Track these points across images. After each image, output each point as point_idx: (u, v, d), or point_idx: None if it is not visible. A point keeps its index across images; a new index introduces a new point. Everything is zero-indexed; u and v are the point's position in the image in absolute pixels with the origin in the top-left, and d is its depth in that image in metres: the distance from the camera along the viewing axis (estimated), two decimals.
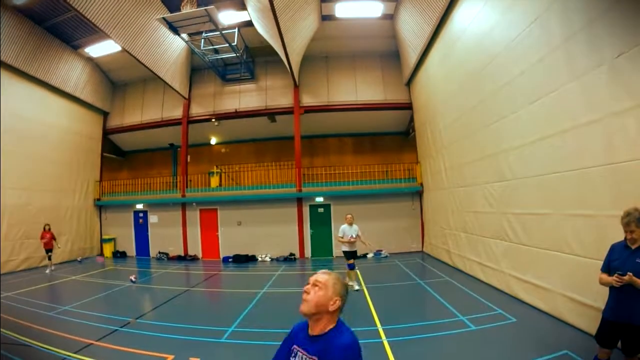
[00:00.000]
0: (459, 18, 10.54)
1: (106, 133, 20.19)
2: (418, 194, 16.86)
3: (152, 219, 18.49)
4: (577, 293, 5.98)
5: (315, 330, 2.07)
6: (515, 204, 7.21)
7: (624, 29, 4.82)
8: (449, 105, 11.92)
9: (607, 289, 4.02)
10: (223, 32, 14.22)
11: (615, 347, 3.97)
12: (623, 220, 3.79)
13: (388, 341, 6.05)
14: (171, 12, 13.78)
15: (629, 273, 3.53)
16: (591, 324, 5.57)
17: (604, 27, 5.15)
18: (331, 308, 2.04)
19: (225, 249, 17.35)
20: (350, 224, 10.01)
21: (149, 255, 18.33)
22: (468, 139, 10.43)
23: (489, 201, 9.25)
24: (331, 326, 2.05)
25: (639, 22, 4.60)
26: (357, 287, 9.76)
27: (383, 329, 6.64)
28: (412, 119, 17.60)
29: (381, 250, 15.77)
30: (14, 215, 13.96)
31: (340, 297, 2.09)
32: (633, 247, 3.74)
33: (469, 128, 10.33)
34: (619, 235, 4.79)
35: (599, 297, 5.40)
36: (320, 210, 17.21)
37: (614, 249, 4.01)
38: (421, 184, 16.40)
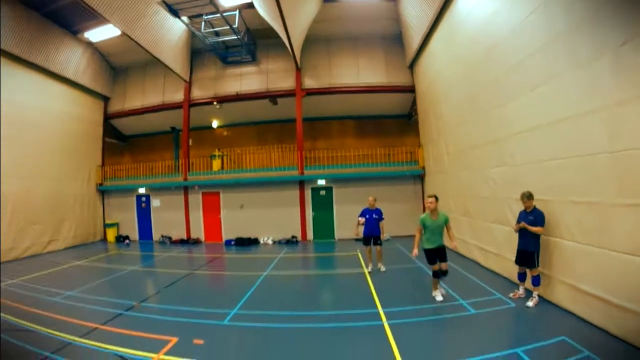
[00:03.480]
0: (463, 1, 10.36)
1: (107, 118, 20.12)
2: (420, 177, 16.85)
3: (155, 203, 18.58)
4: (576, 280, 6.01)
5: None
6: (517, 190, 7.19)
7: (628, 18, 4.75)
8: (451, 89, 11.80)
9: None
10: (224, 14, 14.07)
11: (526, 265, 6.92)
12: (522, 199, 6.85)
13: (389, 324, 6.13)
14: None
15: (522, 222, 6.78)
16: (590, 312, 5.67)
17: (608, 16, 5.08)
18: None
19: (228, 232, 17.47)
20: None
21: (151, 239, 18.49)
22: (470, 123, 10.36)
23: (491, 186, 9.24)
24: None
25: None
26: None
27: (384, 312, 6.73)
28: (414, 102, 17.46)
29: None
30: (17, 202, 13.99)
31: None
32: (527, 211, 6.80)
33: (471, 113, 10.25)
34: (622, 223, 5.02)
35: (598, 285, 5.48)
36: (322, 193, 17.25)
37: (519, 214, 7.00)
38: (423, 168, 16.37)
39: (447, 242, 7.38)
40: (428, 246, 7.23)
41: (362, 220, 10.03)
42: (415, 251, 7.18)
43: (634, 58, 4.69)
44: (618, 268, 5.09)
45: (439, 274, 7.29)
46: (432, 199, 7.18)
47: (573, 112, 5.89)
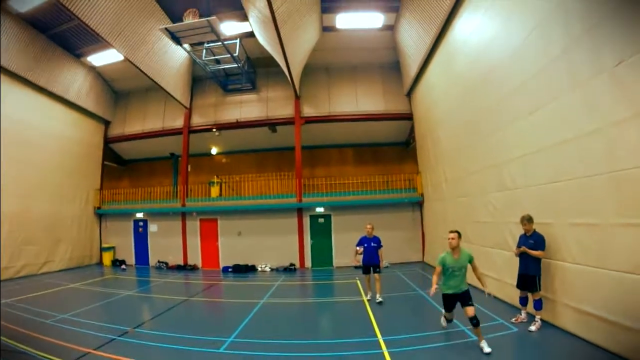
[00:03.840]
0: (459, 29, 10.61)
1: (107, 142, 20.27)
2: (418, 204, 16.83)
3: (152, 228, 18.44)
4: (578, 302, 5.94)
5: None
6: (517, 214, 7.19)
7: (624, 37, 4.84)
8: (449, 116, 11.95)
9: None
10: (225, 42, 14.36)
11: (527, 289, 6.87)
12: (522, 222, 6.88)
13: (389, 352, 5.98)
14: (173, 22, 13.96)
15: (523, 246, 6.77)
16: (594, 333, 5.56)
17: (603, 35, 5.17)
18: None
19: (225, 259, 17.26)
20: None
21: (148, 264, 18.25)
22: (469, 149, 10.44)
23: (490, 211, 9.22)
24: None
25: (639, 30, 4.62)
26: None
27: (384, 340, 6.57)
28: (412, 130, 17.64)
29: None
30: (13, 222, 13.90)
31: None
32: (527, 234, 6.82)
33: (469, 138, 10.34)
34: (622, 242, 5.01)
35: (601, 306, 5.39)
36: (321, 220, 17.16)
37: (520, 238, 7.01)
38: (422, 195, 16.37)
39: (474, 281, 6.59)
40: (447, 291, 6.23)
41: (360, 249, 9.77)
42: (433, 290, 6.04)
43: (631, 76, 4.75)
44: (619, 287, 5.05)
45: (450, 321, 6.72)
46: (454, 235, 6.17)
47: (572, 134, 5.94)
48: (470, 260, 6.19)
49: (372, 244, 9.65)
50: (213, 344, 6.65)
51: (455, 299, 6.23)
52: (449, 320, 6.79)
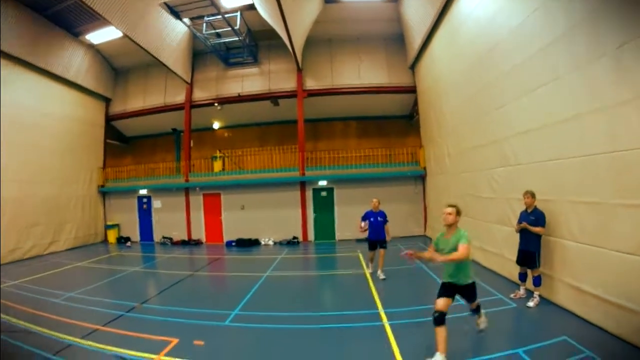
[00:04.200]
0: (464, 1, 10.35)
1: (109, 119, 20.15)
2: (421, 178, 16.83)
3: (156, 204, 18.58)
4: (577, 280, 6.01)
5: None
6: (519, 190, 7.19)
7: (626, 20, 4.77)
8: (453, 90, 11.79)
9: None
10: (225, 15, 14.10)
11: (527, 265, 6.95)
12: (524, 195, 6.88)
13: (389, 324, 6.12)
14: None
15: (524, 222, 6.79)
16: (591, 312, 5.65)
17: (606, 18, 5.10)
18: None
19: (229, 233, 17.46)
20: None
21: (152, 240, 18.50)
22: (472, 124, 10.35)
23: (493, 186, 9.22)
24: None
25: None
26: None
27: (385, 312, 6.72)
28: (416, 103, 17.46)
29: None
30: (18, 204, 13.98)
31: None
32: (528, 210, 6.86)
33: (473, 113, 10.24)
34: (622, 223, 5.03)
35: (599, 285, 5.46)
36: (324, 193, 17.24)
37: (520, 214, 7.05)
38: (424, 168, 16.36)
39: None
40: (445, 279, 5.01)
41: (365, 225, 9.57)
42: (407, 253, 5.19)
43: (633, 59, 4.70)
44: (618, 267, 5.09)
45: (440, 320, 4.67)
46: (451, 210, 4.95)
47: (574, 112, 5.90)
48: (458, 241, 4.78)
49: (378, 219, 9.46)
50: (218, 317, 6.82)
51: (453, 290, 4.93)
52: (438, 321, 4.71)
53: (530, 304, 6.65)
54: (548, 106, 6.61)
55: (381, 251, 9.49)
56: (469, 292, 5.01)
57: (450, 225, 4.99)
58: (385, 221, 9.52)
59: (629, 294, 4.91)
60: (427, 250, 5.15)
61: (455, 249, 4.72)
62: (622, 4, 4.83)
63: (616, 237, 5.14)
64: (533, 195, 6.80)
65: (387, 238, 9.55)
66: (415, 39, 14.95)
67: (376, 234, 9.48)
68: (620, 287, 5.07)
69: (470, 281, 4.94)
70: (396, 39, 17.45)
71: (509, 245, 7.97)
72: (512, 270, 7.78)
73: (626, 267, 4.93)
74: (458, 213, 4.99)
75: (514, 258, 7.23)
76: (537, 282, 6.74)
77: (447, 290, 4.92)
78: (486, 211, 9.70)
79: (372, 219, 9.51)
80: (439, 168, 14.06)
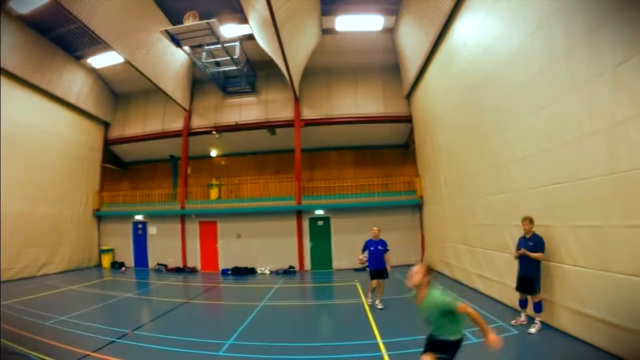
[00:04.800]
0: (459, 31, 10.61)
1: (107, 143, 20.24)
2: (418, 207, 16.82)
3: (151, 230, 18.41)
4: (579, 304, 5.92)
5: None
6: (517, 216, 7.18)
7: (625, 38, 4.83)
8: (449, 118, 11.95)
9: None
10: (225, 44, 14.38)
11: (527, 292, 6.89)
12: (522, 222, 6.90)
13: (388, 354, 5.96)
14: (173, 24, 13.96)
15: (522, 249, 6.80)
16: (596, 336, 5.54)
17: (604, 36, 5.16)
18: None
19: (225, 262, 17.23)
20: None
21: (147, 266, 18.21)
22: (468, 151, 10.43)
23: (491, 213, 9.21)
24: None
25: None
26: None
27: (383, 343, 6.56)
28: (412, 132, 17.64)
29: None
30: (13, 223, 13.85)
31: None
32: (527, 236, 6.85)
33: (469, 141, 10.33)
34: (626, 244, 4.97)
35: (604, 308, 5.38)
36: (320, 223, 17.16)
37: (519, 240, 7.04)
38: (421, 197, 16.36)
39: None
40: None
41: (364, 258, 9.40)
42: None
43: (632, 77, 4.75)
44: (623, 290, 5.03)
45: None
46: (417, 269, 3.96)
47: (574, 135, 5.92)
48: (443, 311, 3.81)
49: (378, 247, 9.31)
50: (213, 347, 6.62)
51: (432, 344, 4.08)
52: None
53: (532, 330, 6.55)
54: (547, 130, 6.63)
55: (380, 281, 9.33)
56: (439, 346, 4.00)
57: (419, 287, 3.96)
58: (385, 250, 9.36)
59: (635, 315, 4.83)
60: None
61: (435, 316, 3.87)
62: (621, 22, 4.90)
63: (620, 259, 5.10)
64: (531, 221, 6.79)
65: (387, 267, 9.36)
66: (411, 68, 15.26)
67: (377, 263, 9.30)
68: (625, 310, 4.99)
69: (450, 337, 4.00)
70: (392, 69, 17.82)
71: (509, 272, 7.89)
72: (513, 297, 7.68)
73: (632, 288, 4.87)
74: (429, 273, 3.94)
75: (514, 284, 7.15)
76: (538, 308, 6.65)
77: (430, 344, 4.10)
78: (484, 238, 9.66)
79: (372, 248, 9.37)
80: (436, 197, 14.07)
